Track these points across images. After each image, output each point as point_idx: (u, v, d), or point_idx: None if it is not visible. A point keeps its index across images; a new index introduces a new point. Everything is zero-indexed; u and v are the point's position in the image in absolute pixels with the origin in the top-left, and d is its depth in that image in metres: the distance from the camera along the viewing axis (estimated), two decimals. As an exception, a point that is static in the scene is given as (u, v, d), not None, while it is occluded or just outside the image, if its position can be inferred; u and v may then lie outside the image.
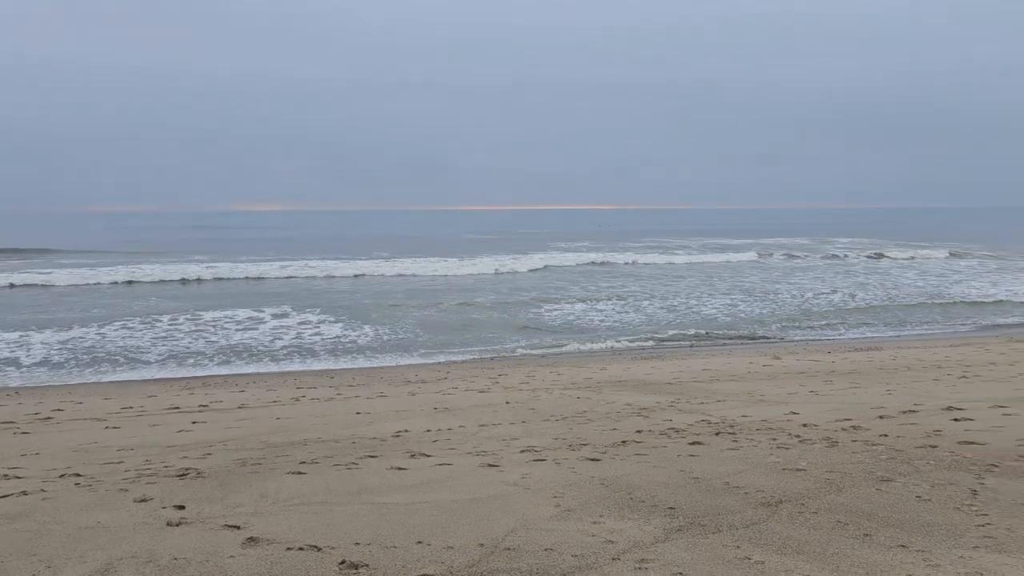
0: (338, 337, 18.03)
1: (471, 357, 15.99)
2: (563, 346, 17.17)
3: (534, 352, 16.56)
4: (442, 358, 15.95)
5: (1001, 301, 23.67)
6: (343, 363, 15.47)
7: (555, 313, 22.07)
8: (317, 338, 17.93)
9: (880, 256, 43.22)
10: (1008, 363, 11.71)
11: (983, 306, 22.78)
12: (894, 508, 4.66)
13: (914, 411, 8.11)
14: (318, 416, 9.16)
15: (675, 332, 18.89)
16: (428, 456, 6.67)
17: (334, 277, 33.05)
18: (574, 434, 7.58)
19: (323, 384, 12.37)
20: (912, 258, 41.86)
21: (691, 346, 17.29)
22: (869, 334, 18.36)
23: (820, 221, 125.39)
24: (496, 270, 35.37)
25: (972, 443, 6.42)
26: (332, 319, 20.47)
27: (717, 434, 7.40)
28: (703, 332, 18.79)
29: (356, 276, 33.50)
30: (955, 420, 7.48)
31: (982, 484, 5.10)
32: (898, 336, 17.97)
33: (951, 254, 43.26)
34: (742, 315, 21.62)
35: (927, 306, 22.85)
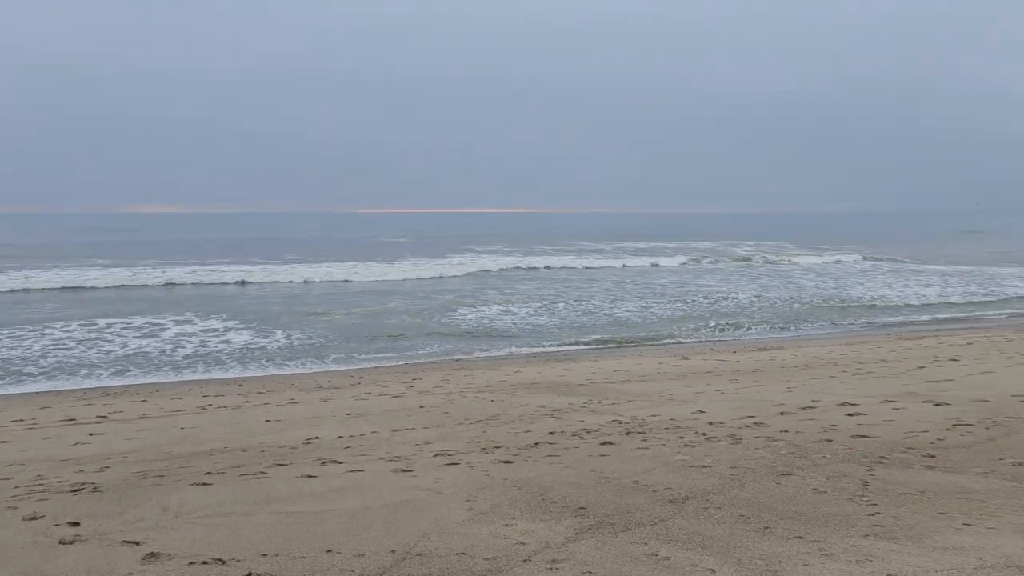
0: (247, 344, 17.54)
1: (386, 363, 15.83)
2: (477, 350, 17.20)
3: (449, 357, 16.52)
4: (356, 364, 15.74)
5: (895, 303, 24.98)
6: (252, 371, 15.07)
7: (471, 317, 22.07)
8: (224, 346, 17.37)
9: (785, 260, 44.96)
10: (897, 360, 12.36)
11: (877, 307, 23.98)
12: (792, 501, 4.86)
13: (812, 407, 8.47)
14: (225, 425, 8.90)
15: (594, 336, 19.18)
16: (340, 463, 6.57)
17: (246, 283, 32.04)
18: (488, 437, 7.60)
19: (231, 392, 12.02)
20: (817, 262, 43.68)
21: (618, 346, 17.61)
22: (772, 334, 19.06)
23: (730, 225, 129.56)
24: (405, 278, 34.89)
25: (864, 436, 6.75)
26: (240, 325, 19.91)
27: (628, 434, 7.55)
28: (621, 336, 19.14)
29: (266, 281, 32.64)
30: (849, 415, 7.85)
31: (872, 475, 5.37)
32: (798, 336, 18.72)
33: (864, 257, 45.40)
34: (654, 317, 22.12)
35: (826, 307, 23.90)
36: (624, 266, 41.50)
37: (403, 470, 6.19)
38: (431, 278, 34.96)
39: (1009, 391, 8.71)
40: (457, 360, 16.06)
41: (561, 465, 6.28)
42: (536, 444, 7.21)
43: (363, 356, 16.43)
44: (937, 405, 8.12)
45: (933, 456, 5.82)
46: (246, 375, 14.60)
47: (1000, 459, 5.61)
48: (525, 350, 17.32)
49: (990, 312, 22.40)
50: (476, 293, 28.52)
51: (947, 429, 6.83)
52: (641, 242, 66.88)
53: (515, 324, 20.88)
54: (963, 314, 22.08)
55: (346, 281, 33.08)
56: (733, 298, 26.35)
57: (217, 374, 14.72)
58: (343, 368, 15.27)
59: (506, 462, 6.40)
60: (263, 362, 15.80)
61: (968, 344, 14.14)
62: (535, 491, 5.44)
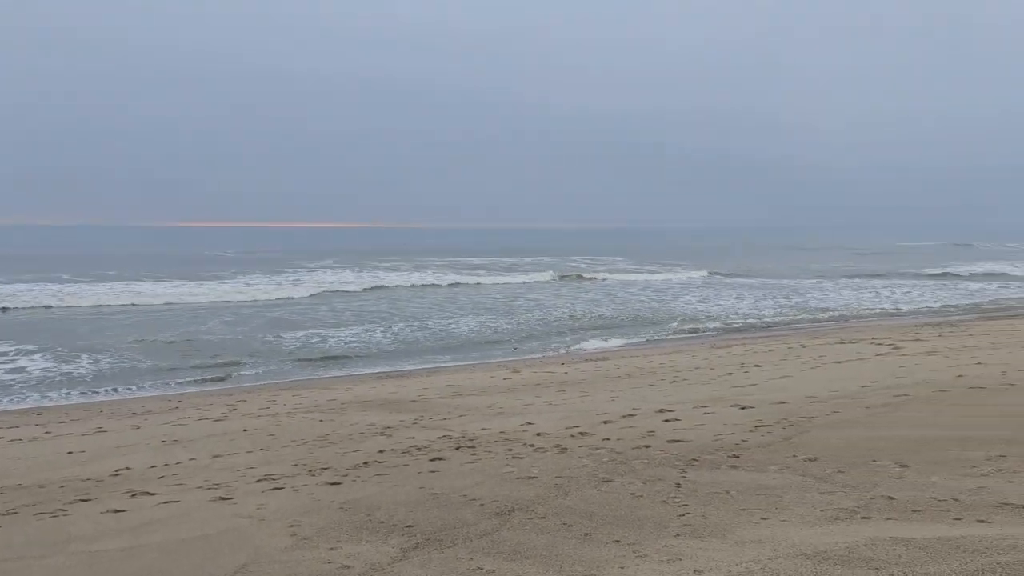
0: (46, 371, 16.03)
1: (207, 387, 15.02)
2: (310, 369, 16.72)
3: (277, 377, 15.94)
4: (174, 388, 14.82)
5: (714, 314, 26.76)
6: (53, 399, 13.81)
7: (300, 335, 21.42)
8: (16, 375, 15.68)
9: (610, 275, 46.99)
10: (709, 367, 13.25)
11: (693, 318, 25.59)
12: (612, 506, 5.07)
13: (632, 415, 8.89)
14: (19, 459, 8.11)
15: (429, 352, 19.14)
16: (152, 494, 6.15)
17: (52, 307, 28.75)
18: (315, 458, 7.39)
19: (27, 423, 10.96)
20: (640, 279, 45.94)
21: (455, 359, 17.64)
22: (600, 345, 19.83)
23: (562, 239, 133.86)
24: (225, 300, 32.00)
25: (679, 441, 7.17)
26: (35, 350, 18.11)
27: (458, 448, 7.60)
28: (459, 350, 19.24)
29: (72, 303, 29.96)
30: (666, 421, 8.32)
31: (684, 477, 5.71)
32: (624, 346, 19.60)
33: (710, 273, 48.13)
34: (490, 332, 22.43)
35: (650, 319, 25.22)
36: (457, 284, 41.78)
37: (223, 498, 5.90)
38: (265, 298, 33.55)
39: (803, 393, 9.56)
40: (287, 380, 15.52)
41: (390, 484, 6.21)
42: (365, 463, 7.09)
43: (182, 380, 15.51)
44: (743, 408, 8.77)
45: (737, 456, 6.28)
46: (45, 404, 13.36)
47: (794, 456, 6.13)
48: (358, 369, 17.02)
49: (801, 320, 24.52)
50: (308, 311, 27.72)
51: (750, 431, 7.39)
52: (472, 257, 67.71)
53: (348, 342, 20.49)
54: (780, 319, 24.03)
55: (168, 305, 30.70)
56: (564, 311, 27.21)
57: (8, 405, 13.35)
58: (160, 393, 14.34)
59: (333, 483, 6.26)
60: (66, 390, 14.50)
61: (770, 351, 15.39)
62: (362, 512, 5.35)
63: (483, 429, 8.66)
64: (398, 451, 7.66)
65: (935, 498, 4.52)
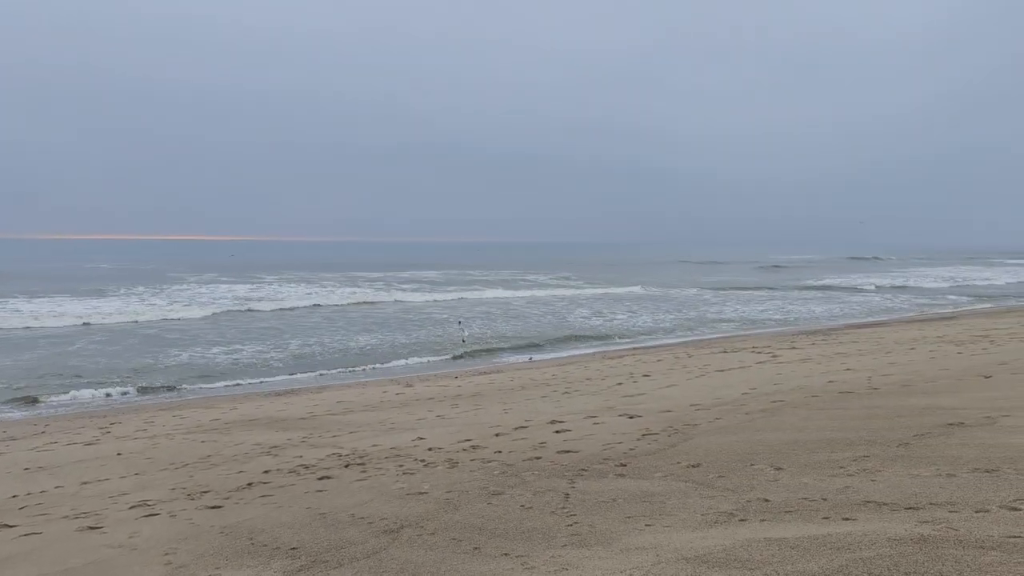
0: None
1: (78, 409, 14.16)
2: (193, 387, 16.02)
3: (156, 397, 15.20)
4: (40, 411, 13.90)
5: (608, 325, 27.29)
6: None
7: (184, 356, 20.53)
8: None
9: (521, 287, 47.30)
10: (600, 377, 13.51)
11: (590, 330, 26.06)
12: (502, 520, 5.07)
13: (525, 427, 8.95)
14: None
15: (321, 368, 18.69)
16: (11, 527, 5.74)
17: None
18: (195, 482, 7.08)
19: None
20: (525, 294, 46.45)
21: (351, 371, 17.25)
22: (496, 359, 19.89)
23: (450, 253, 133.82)
24: (84, 321, 28.88)
25: (569, 451, 7.26)
26: None
27: (347, 466, 7.44)
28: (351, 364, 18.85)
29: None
30: (557, 432, 8.41)
31: (574, 487, 5.78)
32: (517, 360, 19.74)
33: (636, 292, 48.82)
34: (386, 345, 22.13)
35: (548, 332, 25.50)
36: (321, 304, 41.09)
37: (91, 527, 5.56)
38: (142, 319, 31.97)
39: (688, 401, 9.87)
40: (166, 400, 14.82)
41: (275, 505, 6.02)
42: (249, 485, 6.85)
43: (49, 402, 14.56)
44: (631, 418, 8.97)
45: (625, 465, 6.40)
46: None
47: (678, 463, 6.31)
48: (245, 386, 16.44)
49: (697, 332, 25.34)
50: (186, 328, 26.61)
51: (638, 439, 7.56)
52: (362, 271, 66.76)
53: (235, 359, 19.78)
54: (677, 327, 24.74)
55: (27, 328, 28.20)
56: (461, 324, 27.19)
57: None
58: (24, 415, 13.41)
59: (214, 507, 6.00)
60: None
61: (658, 361, 15.85)
62: (244, 536, 5.15)
63: (374, 445, 8.53)
64: (284, 471, 7.44)
65: (806, 498, 4.74)
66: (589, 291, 44.69)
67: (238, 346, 22.09)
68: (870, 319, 27.54)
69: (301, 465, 7.68)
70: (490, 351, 21.02)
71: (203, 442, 9.38)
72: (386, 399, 12.91)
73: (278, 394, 14.81)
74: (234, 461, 8.13)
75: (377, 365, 18.93)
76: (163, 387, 16.17)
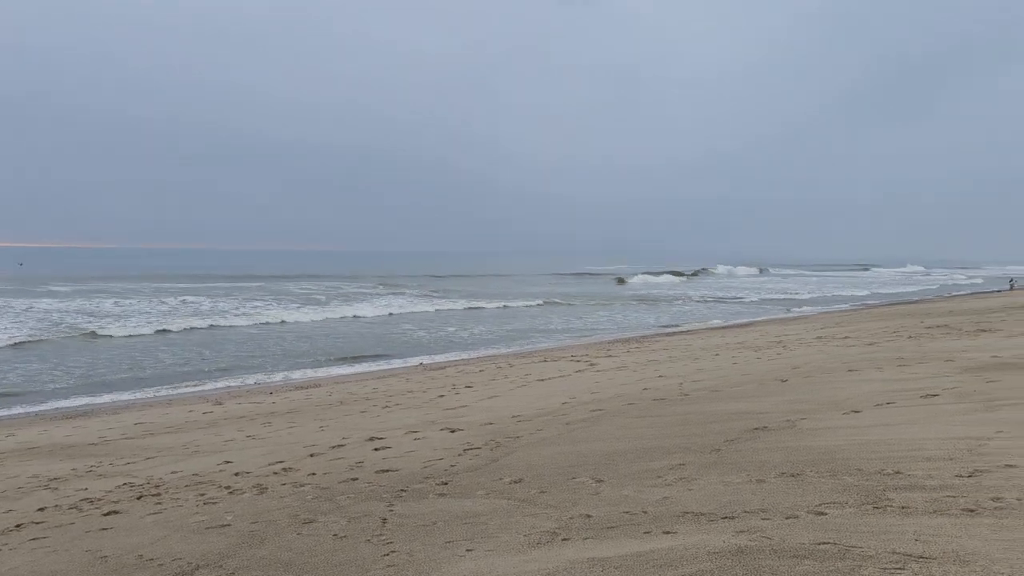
0: None
1: None
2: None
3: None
4: None
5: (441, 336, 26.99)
6: None
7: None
8: None
9: (343, 297, 45.85)
10: (422, 390, 13.22)
11: (423, 342, 25.68)
12: (312, 552, 4.66)
13: (342, 445, 8.50)
14: None
15: (122, 386, 17.04)
16: None
17: None
18: (-53, 527, 6.06)
19: None
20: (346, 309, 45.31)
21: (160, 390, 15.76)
22: (314, 373, 19.03)
23: (271, 262, 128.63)
24: None
25: (388, 470, 6.92)
26: None
27: (140, 498, 6.69)
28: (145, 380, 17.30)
29: None
30: (376, 449, 8.03)
31: (392, 511, 5.45)
32: (341, 373, 18.99)
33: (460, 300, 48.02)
34: (194, 362, 20.61)
35: (372, 343, 24.84)
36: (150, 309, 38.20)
37: None
38: None
39: (510, 412, 9.81)
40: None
41: (47, 550, 5.24)
42: (18, 527, 5.98)
43: None
44: (453, 431, 8.76)
45: (446, 483, 6.16)
46: None
47: (500, 478, 6.15)
48: (25, 409, 14.65)
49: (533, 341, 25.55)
50: (-40, 342, 23.54)
51: (459, 454, 7.35)
52: (163, 282, 62.56)
53: (20, 375, 17.65)
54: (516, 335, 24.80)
55: None
56: (282, 337, 25.93)
57: None
58: None
59: (-32, 557, 5.13)
60: None
61: (480, 371, 15.79)
62: (3, 590, 4.40)
63: (173, 472, 7.76)
64: (64, 507, 6.57)
65: (627, 512, 4.70)
66: (412, 305, 44.35)
67: (20, 365, 19.78)
68: (682, 327, 29.14)
69: (85, 499, 6.82)
70: (314, 365, 20.14)
71: (-36, 478, 8.15)
72: (192, 419, 11.93)
73: (68, 417, 13.32)
74: (3, 499, 7.10)
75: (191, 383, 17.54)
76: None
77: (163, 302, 38.81)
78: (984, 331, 15.97)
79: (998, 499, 4.06)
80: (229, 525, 5.47)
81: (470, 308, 38.98)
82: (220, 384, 17.10)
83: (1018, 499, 4.02)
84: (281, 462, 7.79)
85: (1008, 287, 51.93)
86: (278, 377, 17.99)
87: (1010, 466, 4.71)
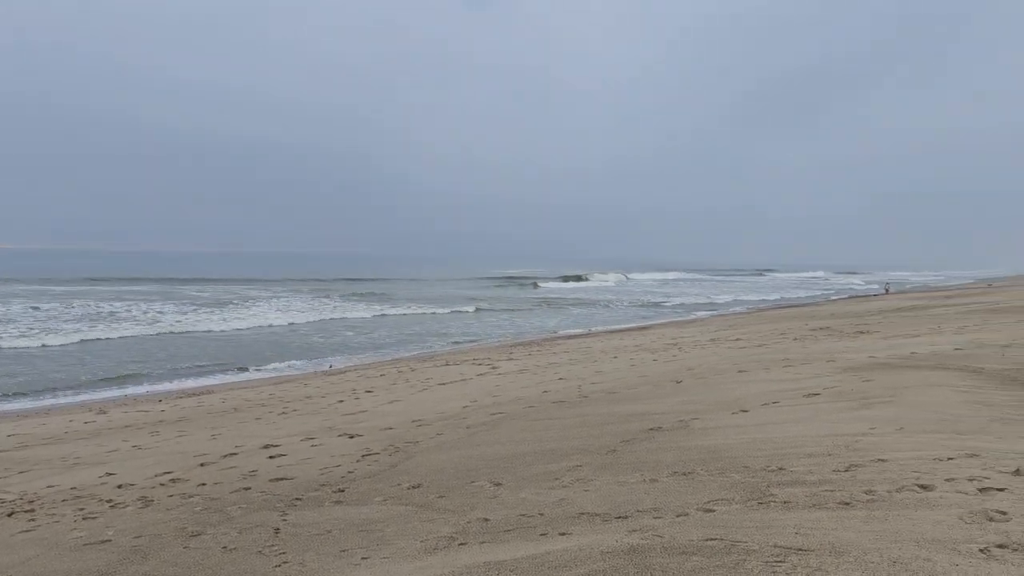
0: None
1: None
2: None
3: None
4: None
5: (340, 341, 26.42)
6: None
7: None
8: None
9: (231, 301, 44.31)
10: (321, 395, 12.95)
11: (317, 345, 25.10)
12: (199, 566, 4.48)
13: (235, 453, 8.22)
14: None
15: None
16: None
17: None
18: None
19: None
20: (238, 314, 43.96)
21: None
22: (207, 380, 18.34)
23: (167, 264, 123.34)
24: None
25: (283, 479, 6.73)
26: None
27: (11, 515, 6.28)
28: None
29: None
30: (271, 457, 7.80)
31: (286, 520, 5.30)
32: (236, 380, 18.37)
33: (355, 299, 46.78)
34: (74, 370, 19.50)
35: (261, 352, 24.13)
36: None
37: None
38: None
39: (411, 417, 9.72)
40: None
41: (-98, 574, 4.84)
42: None
43: None
44: (351, 437, 8.61)
45: (343, 491, 6.04)
46: None
47: (399, 484, 6.08)
48: None
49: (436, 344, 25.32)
50: None
51: (357, 461, 7.23)
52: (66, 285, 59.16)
53: None
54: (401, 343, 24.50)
55: None
56: (171, 343, 24.88)
57: None
58: None
59: None
60: None
61: (382, 375, 15.60)
62: None
63: (50, 486, 7.33)
64: (-77, 528, 6.08)
65: (524, 515, 4.73)
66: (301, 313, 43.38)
67: None
68: (580, 330, 29.61)
69: (-52, 519, 6.34)
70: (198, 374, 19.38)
71: None
72: (72, 429, 11.29)
73: (-72, 429, 12.35)
74: None
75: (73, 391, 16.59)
76: None
77: (36, 308, 36.60)
78: (862, 333, 16.91)
79: (871, 492, 4.29)
80: (110, 541, 5.20)
81: (374, 312, 38.47)
82: (105, 393, 16.26)
83: (888, 491, 4.27)
84: (169, 473, 7.47)
85: (883, 291, 55.35)
86: (169, 384, 17.25)
87: (882, 460, 4.99)
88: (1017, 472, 4.47)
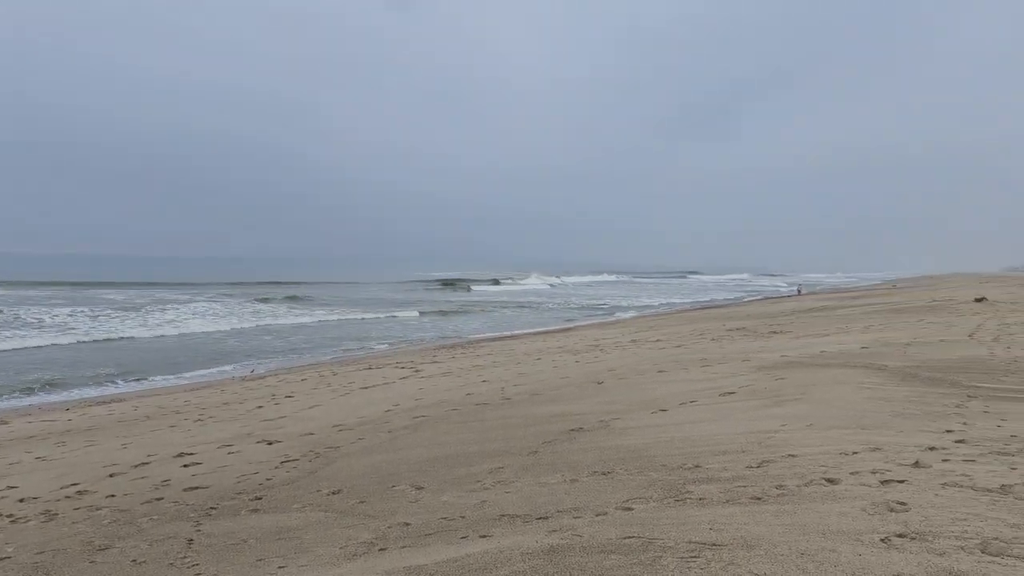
0: None
1: None
2: None
3: None
4: None
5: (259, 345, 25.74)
6: None
7: None
8: None
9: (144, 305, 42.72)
10: (239, 401, 12.61)
11: (235, 350, 24.42)
12: (106, 580, 4.31)
13: (147, 463, 7.94)
14: None
15: None
16: None
17: None
18: None
19: None
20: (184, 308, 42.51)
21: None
22: (117, 388, 17.64)
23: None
24: None
25: (197, 488, 6.54)
26: None
27: (-101, 534, 5.90)
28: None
29: None
30: (185, 466, 7.57)
31: (199, 531, 5.15)
32: (149, 387, 17.72)
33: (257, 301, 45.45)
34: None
35: (175, 357, 23.35)
36: None
37: None
38: None
39: (331, 422, 9.57)
40: None
41: None
42: None
43: None
44: (270, 444, 8.42)
45: (260, 498, 5.91)
46: None
47: (319, 491, 5.98)
48: None
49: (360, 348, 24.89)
50: None
51: (276, 467, 7.08)
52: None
53: None
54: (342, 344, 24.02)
55: None
56: (78, 349, 23.83)
57: None
58: None
59: None
60: None
61: (303, 380, 15.30)
62: None
63: (-57, 502, 6.91)
64: None
65: (445, 518, 4.72)
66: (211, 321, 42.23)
67: None
68: (506, 332, 29.71)
69: None
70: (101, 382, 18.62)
71: None
72: (-31, 441, 10.69)
73: None
74: None
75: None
76: None
77: (-63, 311, 34.56)
78: (776, 333, 17.50)
79: (781, 487, 4.44)
80: (9, 558, 4.95)
81: (298, 316, 37.72)
82: (5, 403, 15.46)
83: (797, 485, 4.43)
84: (75, 484, 7.15)
85: (796, 292, 57.42)
86: (78, 392, 16.51)
87: (792, 456, 5.18)
88: (916, 464, 4.70)
